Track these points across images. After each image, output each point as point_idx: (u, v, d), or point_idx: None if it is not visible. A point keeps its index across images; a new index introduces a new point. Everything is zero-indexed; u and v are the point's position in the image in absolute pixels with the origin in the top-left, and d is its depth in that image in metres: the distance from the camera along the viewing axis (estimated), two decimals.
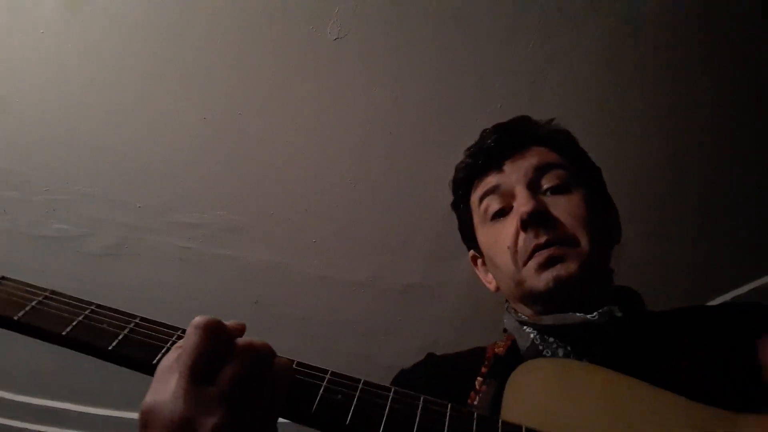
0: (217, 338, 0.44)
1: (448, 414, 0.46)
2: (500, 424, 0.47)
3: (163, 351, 0.48)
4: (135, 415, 1.87)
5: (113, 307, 0.51)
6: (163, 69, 1.54)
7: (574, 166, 0.79)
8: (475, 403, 0.66)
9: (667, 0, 1.46)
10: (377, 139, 1.65)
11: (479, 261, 0.87)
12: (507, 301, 0.81)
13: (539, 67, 1.54)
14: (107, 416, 2.04)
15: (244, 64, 1.54)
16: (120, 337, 0.48)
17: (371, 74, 1.56)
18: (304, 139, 1.65)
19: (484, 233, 0.80)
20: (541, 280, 0.69)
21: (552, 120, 0.85)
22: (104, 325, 0.49)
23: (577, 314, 0.67)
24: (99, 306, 0.51)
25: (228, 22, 1.48)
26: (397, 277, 1.86)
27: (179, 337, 0.49)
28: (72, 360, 1.90)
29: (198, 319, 0.45)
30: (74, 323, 0.49)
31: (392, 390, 0.48)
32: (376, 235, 1.78)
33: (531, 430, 0.47)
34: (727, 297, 1.85)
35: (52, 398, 2.04)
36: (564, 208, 0.73)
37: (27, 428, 2.06)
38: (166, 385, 0.43)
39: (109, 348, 0.47)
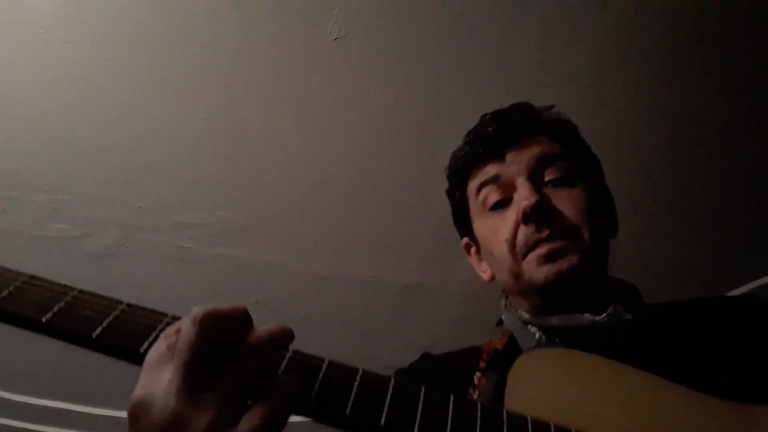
0: (218, 333, 0.41)
1: (451, 403, 0.45)
2: (505, 414, 0.45)
3: (150, 339, 0.45)
4: None
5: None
6: (163, 69, 1.54)
7: (575, 158, 0.77)
8: (475, 397, 0.65)
9: (666, 0, 1.46)
10: (377, 139, 1.65)
11: (473, 249, 0.85)
12: (506, 297, 0.80)
13: (539, 67, 1.54)
14: (107, 416, 2.04)
15: (244, 64, 1.54)
16: (104, 324, 0.45)
17: (371, 74, 1.56)
18: (304, 139, 1.65)
19: (481, 223, 0.78)
20: (541, 273, 0.67)
21: (552, 107, 0.83)
22: (87, 312, 0.46)
23: (585, 315, 0.66)
24: (82, 291, 0.48)
25: (228, 21, 1.48)
26: (396, 277, 1.86)
27: (167, 324, 0.46)
28: (72, 360, 1.91)
29: (197, 310, 0.41)
30: (54, 309, 0.45)
31: (392, 379, 0.46)
32: (376, 235, 1.78)
33: (537, 420, 0.46)
34: None
35: (52, 398, 2.04)
36: (566, 200, 0.71)
37: (27, 428, 2.06)
38: (158, 379, 0.40)
39: (93, 336, 0.44)
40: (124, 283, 1.83)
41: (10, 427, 2.02)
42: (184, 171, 1.68)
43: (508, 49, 1.52)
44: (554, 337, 0.69)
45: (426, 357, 0.82)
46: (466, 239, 0.86)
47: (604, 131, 1.62)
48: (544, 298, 0.70)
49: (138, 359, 0.44)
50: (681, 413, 0.51)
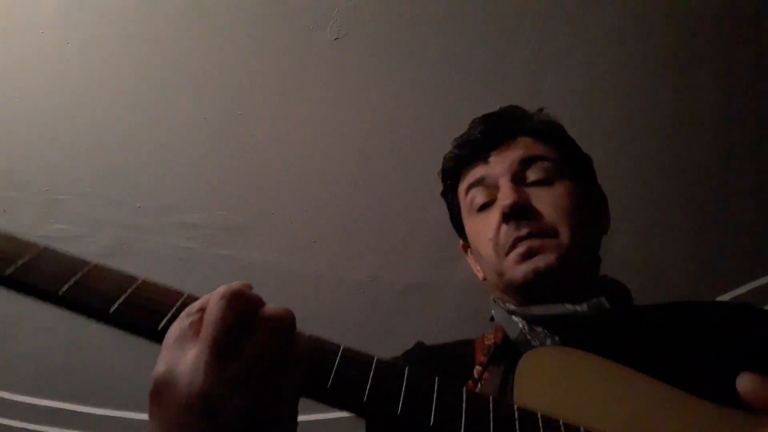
0: (243, 309, 0.41)
1: (464, 395, 0.46)
2: (516, 408, 0.46)
3: (168, 316, 0.44)
4: (135, 415, 1.86)
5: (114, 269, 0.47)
6: (163, 69, 1.54)
7: (560, 157, 0.79)
8: (478, 390, 0.66)
9: (665, 0, 1.46)
10: (377, 139, 1.65)
11: (469, 250, 0.88)
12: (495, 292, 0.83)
13: (539, 67, 1.54)
14: (107, 416, 2.04)
15: (244, 64, 1.54)
16: (121, 299, 0.44)
17: (371, 74, 1.56)
18: (305, 139, 1.65)
19: (470, 224, 0.81)
20: (519, 271, 0.70)
21: (542, 110, 0.85)
22: (104, 286, 0.45)
23: (566, 305, 0.68)
24: (97, 265, 0.47)
25: (228, 22, 1.48)
26: (397, 277, 1.86)
27: (185, 303, 0.45)
28: (73, 360, 1.91)
29: (223, 288, 0.42)
30: (71, 282, 0.44)
31: (406, 369, 0.46)
32: (376, 235, 1.78)
33: (547, 416, 0.47)
34: (726, 297, 1.84)
35: (53, 398, 2.04)
36: (546, 200, 0.73)
37: (27, 428, 2.06)
38: (182, 355, 0.40)
39: (110, 311, 0.44)
40: None
41: (10, 427, 2.02)
42: (184, 171, 1.68)
43: (508, 49, 1.52)
44: (536, 327, 0.70)
45: (420, 345, 0.85)
46: (462, 241, 0.90)
47: (603, 131, 1.62)
48: (524, 295, 0.72)
49: (154, 336, 0.43)
50: (672, 412, 0.53)
